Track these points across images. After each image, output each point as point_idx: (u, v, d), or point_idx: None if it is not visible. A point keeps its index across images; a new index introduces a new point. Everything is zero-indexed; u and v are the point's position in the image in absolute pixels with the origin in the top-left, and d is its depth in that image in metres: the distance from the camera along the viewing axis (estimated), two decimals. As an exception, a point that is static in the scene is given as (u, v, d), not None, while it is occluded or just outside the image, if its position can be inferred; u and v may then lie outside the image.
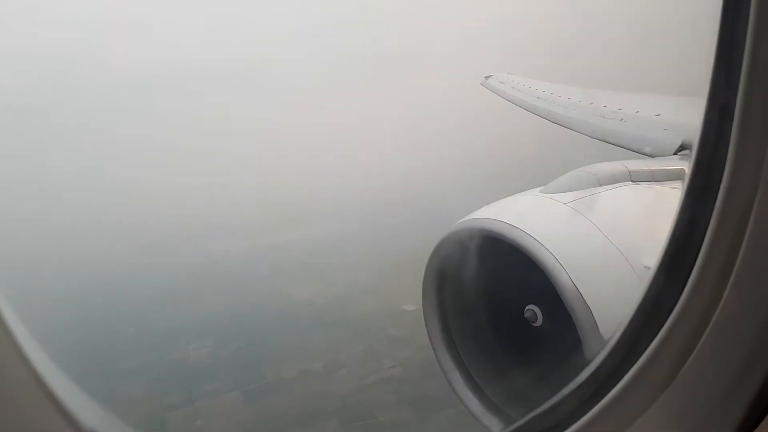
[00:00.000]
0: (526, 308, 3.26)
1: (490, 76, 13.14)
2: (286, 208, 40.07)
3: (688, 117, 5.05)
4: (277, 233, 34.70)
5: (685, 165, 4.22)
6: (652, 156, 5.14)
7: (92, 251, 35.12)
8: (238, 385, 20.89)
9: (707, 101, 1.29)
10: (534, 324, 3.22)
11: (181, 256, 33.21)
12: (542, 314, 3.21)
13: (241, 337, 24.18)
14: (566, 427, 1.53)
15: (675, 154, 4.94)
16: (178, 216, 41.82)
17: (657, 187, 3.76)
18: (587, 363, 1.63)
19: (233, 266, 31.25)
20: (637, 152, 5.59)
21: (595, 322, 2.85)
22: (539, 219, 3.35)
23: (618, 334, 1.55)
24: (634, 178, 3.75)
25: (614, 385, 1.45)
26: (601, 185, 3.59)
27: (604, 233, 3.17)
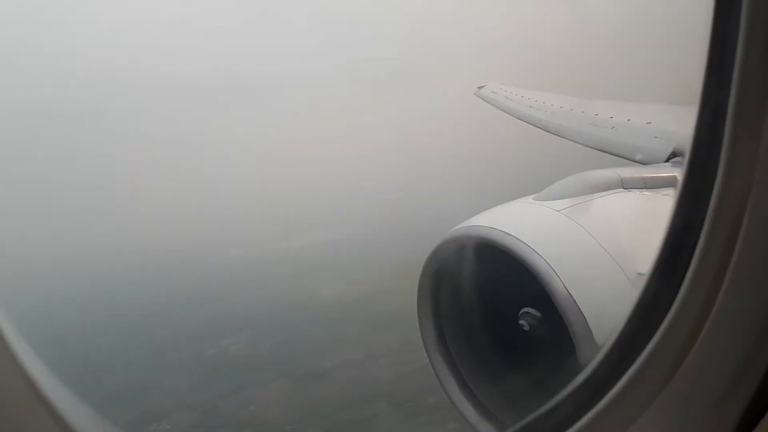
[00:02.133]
0: (521, 315, 3.25)
1: (483, 86, 13.24)
2: (303, 213, 40.12)
3: (679, 125, 5.09)
4: (296, 237, 34.78)
5: (676, 172, 4.25)
6: (643, 163, 5.17)
7: (112, 255, 34.97)
8: (282, 375, 21.18)
9: (700, 103, 1.29)
10: (528, 330, 3.22)
11: (201, 261, 33.08)
12: (536, 320, 3.20)
13: (275, 333, 24.27)
14: None
15: (666, 161, 4.97)
16: (198, 220, 41.75)
17: (649, 194, 3.78)
18: (581, 368, 1.62)
19: (254, 269, 31.19)
20: (629, 160, 5.63)
21: (589, 328, 2.85)
22: (532, 226, 3.36)
23: (614, 337, 1.54)
24: (626, 185, 3.77)
25: (611, 389, 1.44)
26: (593, 192, 3.61)
27: (597, 240, 3.18)
